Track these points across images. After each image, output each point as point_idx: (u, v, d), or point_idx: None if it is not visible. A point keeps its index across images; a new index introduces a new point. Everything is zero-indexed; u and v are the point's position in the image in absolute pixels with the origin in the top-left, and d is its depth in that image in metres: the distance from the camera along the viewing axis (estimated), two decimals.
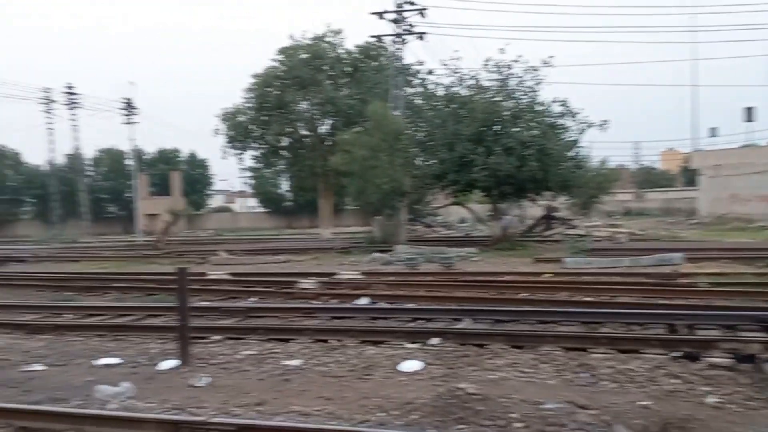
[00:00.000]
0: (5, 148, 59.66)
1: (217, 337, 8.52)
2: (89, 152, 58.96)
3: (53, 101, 49.92)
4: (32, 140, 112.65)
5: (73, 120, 50.16)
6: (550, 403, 5.50)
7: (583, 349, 7.32)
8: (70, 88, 49.34)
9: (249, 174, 52.85)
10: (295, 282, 13.64)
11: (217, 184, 71.97)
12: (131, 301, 12.45)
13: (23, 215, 60.79)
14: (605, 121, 24.65)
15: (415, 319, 9.43)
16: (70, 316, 10.71)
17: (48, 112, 50.28)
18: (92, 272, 18.14)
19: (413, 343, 7.86)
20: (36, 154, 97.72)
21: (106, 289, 14.25)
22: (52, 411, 5.24)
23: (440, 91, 25.95)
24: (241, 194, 78.73)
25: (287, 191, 57.13)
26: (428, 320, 9.34)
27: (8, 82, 72.90)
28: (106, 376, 6.85)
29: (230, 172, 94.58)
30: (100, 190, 57.94)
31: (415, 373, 6.73)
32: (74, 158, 54.16)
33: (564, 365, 6.85)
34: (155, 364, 7.27)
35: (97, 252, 27.40)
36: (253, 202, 70.19)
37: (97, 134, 76.34)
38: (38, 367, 7.37)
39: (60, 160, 55.52)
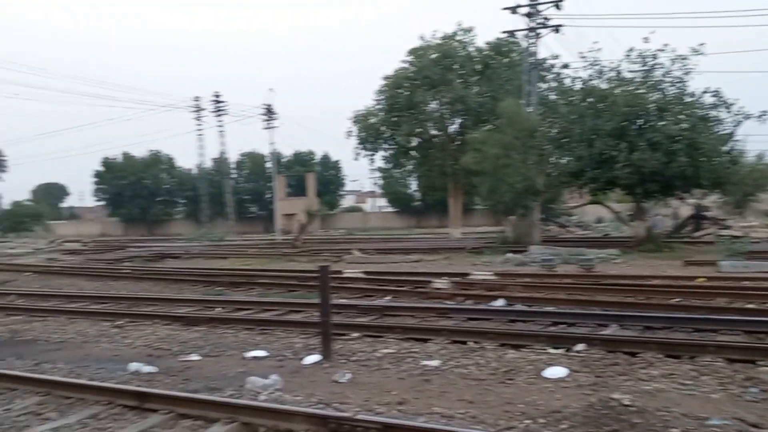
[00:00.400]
0: (161, 153, 65.34)
1: (356, 335, 8.65)
2: (233, 156, 62.97)
3: (202, 109, 53.87)
4: (184, 146, 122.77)
5: (220, 126, 53.84)
6: (716, 419, 5.00)
7: (751, 362, 6.62)
8: (217, 96, 53.01)
9: (379, 174, 53.96)
10: (428, 281, 13.60)
11: (349, 185, 74.22)
12: (274, 297, 13.02)
13: (176, 215, 66.20)
14: (764, 112, 22.42)
15: (555, 324, 9.02)
16: (220, 309, 11.38)
17: (198, 120, 54.32)
18: (238, 268, 19.25)
19: (556, 348, 7.53)
20: (187, 158, 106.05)
21: (251, 284, 15.05)
22: (210, 400, 5.52)
23: (577, 85, 24.86)
24: (372, 194, 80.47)
25: (416, 191, 57.59)
26: (570, 325, 8.91)
27: (164, 93, 79.61)
28: (255, 368, 7.17)
29: (361, 172, 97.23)
30: (243, 191, 61.66)
31: (561, 380, 6.41)
32: (220, 162, 58.10)
33: (729, 378, 6.22)
34: (300, 359, 7.51)
35: (241, 249, 29.12)
36: (382, 202, 71.52)
37: (240, 139, 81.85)
38: (194, 357, 7.87)
39: (208, 163, 59.79)
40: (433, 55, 34.47)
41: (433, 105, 35.74)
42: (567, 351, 7.43)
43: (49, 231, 55.60)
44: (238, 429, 5.11)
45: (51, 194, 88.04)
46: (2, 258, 28.48)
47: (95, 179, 65.09)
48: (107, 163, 64.45)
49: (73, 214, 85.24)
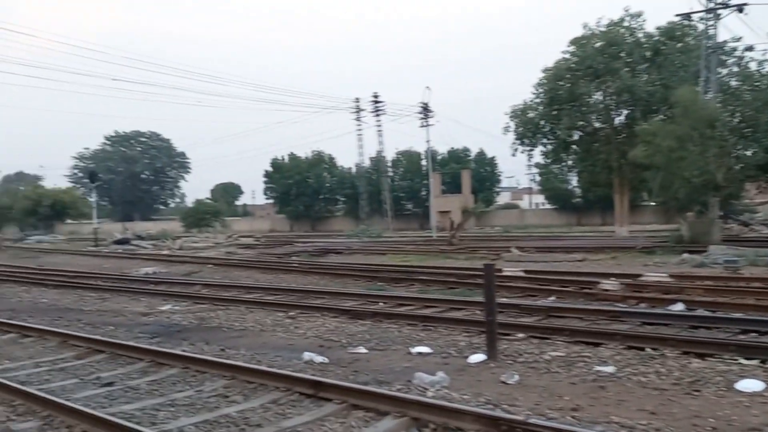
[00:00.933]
0: (323, 153, 68.66)
1: (521, 335, 8.41)
2: (390, 154, 64.53)
3: (362, 110, 55.83)
4: (344, 146, 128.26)
5: (378, 125, 55.51)
6: None
7: None
8: (376, 97, 54.69)
9: (537, 170, 52.51)
10: (595, 282, 12.91)
11: (505, 182, 73.03)
12: (434, 294, 13.08)
13: (337, 212, 69.24)
14: None
15: (745, 332, 8.14)
16: (383, 304, 11.65)
17: (357, 120, 56.38)
18: (397, 264, 19.65)
19: (749, 359, 6.77)
20: (347, 157, 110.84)
21: (410, 280, 15.27)
22: (381, 393, 5.63)
23: (764, 69, 22.35)
24: (529, 191, 78.51)
25: (577, 187, 55.21)
26: (763, 334, 7.99)
27: (326, 96, 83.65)
28: (421, 364, 7.22)
29: (517, 169, 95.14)
30: (399, 188, 62.97)
31: (757, 394, 5.76)
32: (378, 160, 59.84)
33: None
34: (464, 357, 7.44)
35: (398, 246, 29.74)
36: (540, 199, 69.47)
37: (397, 137, 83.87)
38: (362, 350, 8.11)
39: (366, 162, 61.84)
40: (598, 44, 32.73)
41: (597, 96, 33.99)
42: (762, 362, 6.67)
43: (226, 227, 60.62)
44: (407, 424, 5.15)
45: (227, 193, 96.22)
46: (188, 251, 31.55)
47: (265, 179, 69.98)
48: (275, 163, 68.96)
49: (246, 211, 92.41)
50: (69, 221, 66.22)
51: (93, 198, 57.39)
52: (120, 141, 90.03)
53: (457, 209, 46.07)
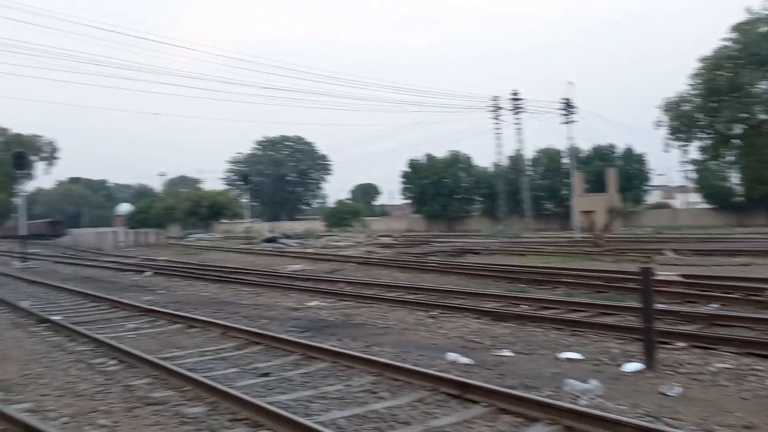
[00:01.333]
0: (459, 153, 68.46)
1: (682, 344, 7.81)
2: (529, 153, 62.88)
3: (500, 108, 54.94)
4: (481, 145, 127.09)
5: (517, 124, 54.32)
6: None
7: None
8: (515, 94, 53.55)
9: (692, 167, 48.62)
10: (764, 289, 11.70)
11: (655, 180, 68.46)
12: (580, 297, 12.53)
13: (473, 212, 68.73)
14: None
15: None
16: (526, 306, 11.35)
17: (496, 119, 55.58)
18: (538, 266, 19.07)
19: None
20: (484, 157, 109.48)
21: (554, 283, 14.75)
22: (531, 398, 5.47)
23: None
24: (682, 189, 72.99)
25: (738, 185, 50.52)
26: None
27: (464, 95, 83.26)
28: (571, 370, 6.93)
29: (669, 166, 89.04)
30: (538, 188, 61.21)
31: None
32: (516, 159, 58.60)
33: None
34: (618, 365, 7.04)
35: (539, 247, 28.88)
36: (695, 198, 64.35)
37: (536, 135, 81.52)
38: (507, 353, 7.94)
39: (504, 161, 60.78)
40: (763, 29, 29.79)
41: (762, 85, 30.96)
42: None
43: (365, 226, 62.34)
44: None
45: (366, 193, 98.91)
46: (330, 250, 32.79)
47: (402, 179, 71.04)
48: (412, 164, 69.80)
49: (384, 211, 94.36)
50: (224, 221, 71.38)
51: (245, 199, 61.38)
52: (268, 145, 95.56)
53: (601, 209, 43.92)
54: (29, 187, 78.35)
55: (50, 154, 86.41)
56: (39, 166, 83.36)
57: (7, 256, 36.01)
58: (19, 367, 7.94)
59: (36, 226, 65.29)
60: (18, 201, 42.10)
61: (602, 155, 61.06)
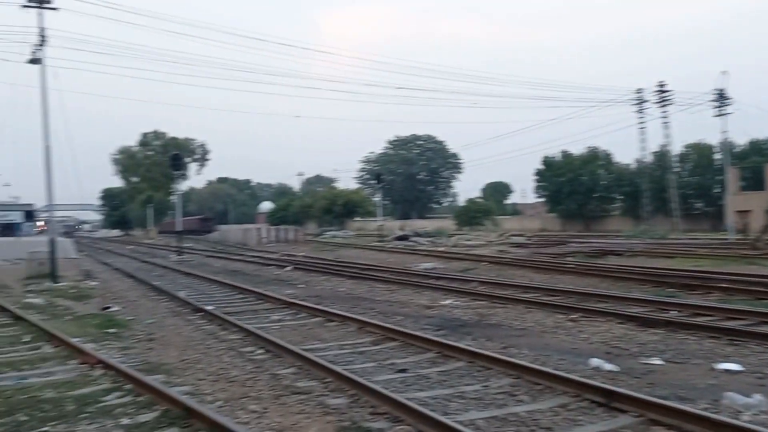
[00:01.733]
0: (598, 149, 65.37)
1: None
2: (676, 148, 58.75)
3: (645, 101, 51.76)
4: (622, 140, 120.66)
5: (664, 117, 50.93)
6: None
7: None
8: (661, 86, 50.23)
9: None
10: None
11: None
12: (738, 304, 11.49)
13: (613, 211, 65.29)
14: None
15: None
16: (676, 312, 10.60)
17: (639, 112, 52.42)
18: (688, 269, 17.74)
19: None
20: (625, 153, 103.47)
21: (707, 288, 13.66)
22: (687, 411, 5.10)
23: None
24: None
25: None
26: None
27: (603, 88, 79.31)
28: (729, 382, 6.40)
29: None
30: (687, 185, 57.05)
31: None
32: (663, 155, 54.97)
33: None
34: None
35: (689, 248, 26.87)
36: None
37: (684, 129, 75.63)
38: (656, 361, 7.45)
39: (648, 158, 57.23)
40: None
41: None
42: None
43: (497, 225, 61.32)
44: None
45: (498, 192, 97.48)
46: (461, 248, 32.62)
47: (536, 177, 69.06)
48: (547, 161, 67.64)
49: (516, 210, 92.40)
50: (357, 219, 73.39)
51: (377, 197, 62.71)
52: (400, 144, 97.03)
53: (759, 208, 40.06)
54: (184, 186, 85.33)
55: (202, 156, 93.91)
56: (192, 167, 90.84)
57: (165, 250, 39.51)
58: (178, 353, 8.65)
59: (189, 223, 70.93)
60: (174, 199, 45.81)
61: (760, 150, 55.71)
